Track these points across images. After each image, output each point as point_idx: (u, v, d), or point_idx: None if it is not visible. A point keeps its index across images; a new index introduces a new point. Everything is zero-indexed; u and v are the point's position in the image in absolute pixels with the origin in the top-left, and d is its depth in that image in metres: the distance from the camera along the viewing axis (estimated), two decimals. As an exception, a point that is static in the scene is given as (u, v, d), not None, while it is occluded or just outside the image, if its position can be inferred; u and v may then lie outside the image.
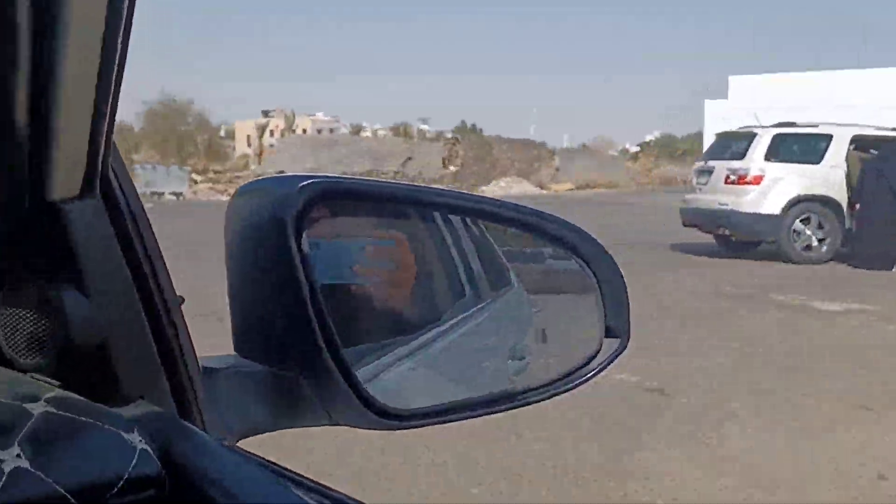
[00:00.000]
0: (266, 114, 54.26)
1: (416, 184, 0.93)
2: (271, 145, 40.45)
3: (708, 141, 26.89)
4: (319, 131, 52.31)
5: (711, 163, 11.03)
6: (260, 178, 0.76)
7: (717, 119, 26.61)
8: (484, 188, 33.94)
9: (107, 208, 0.48)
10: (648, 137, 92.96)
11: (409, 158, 32.85)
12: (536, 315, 0.85)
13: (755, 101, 25.18)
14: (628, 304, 0.74)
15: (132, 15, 0.41)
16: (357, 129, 59.94)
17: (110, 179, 0.48)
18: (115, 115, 0.44)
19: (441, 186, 31.16)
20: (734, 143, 11.03)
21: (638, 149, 77.19)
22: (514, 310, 0.87)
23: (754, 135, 10.49)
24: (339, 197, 0.64)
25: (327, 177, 0.63)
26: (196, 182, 26.74)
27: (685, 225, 11.58)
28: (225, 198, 14.81)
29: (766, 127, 10.55)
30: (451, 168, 33.78)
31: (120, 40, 0.41)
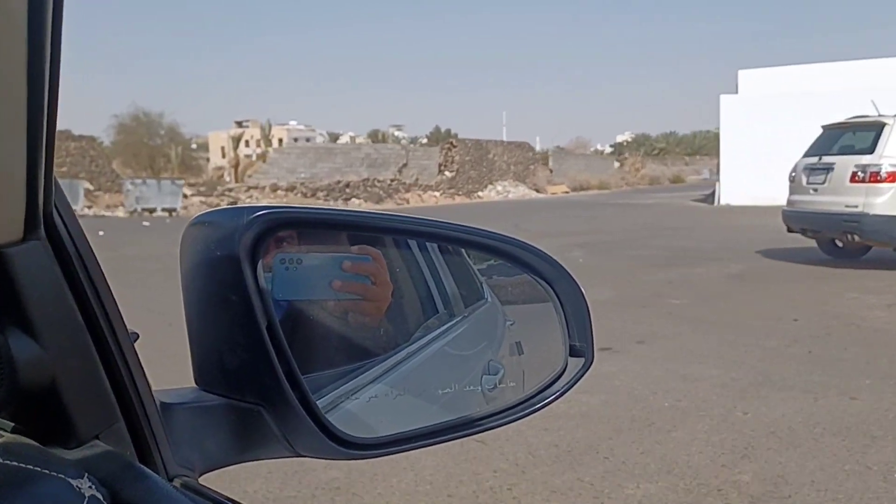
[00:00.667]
0: (240, 124, 52.04)
1: (372, 211, 1.00)
2: (248, 156, 38.55)
3: (726, 137, 25.81)
4: (296, 140, 50.32)
5: (828, 159, 9.63)
6: (214, 209, 0.66)
7: (729, 114, 25.50)
8: (480, 193, 32.51)
9: (53, 248, 0.46)
10: (620, 138, 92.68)
11: (405, 165, 31.24)
12: (511, 327, 0.80)
13: (770, 92, 24.22)
14: (591, 322, 0.76)
15: (60, 29, 0.37)
16: (335, 137, 58.08)
17: (54, 219, 0.46)
18: (52, 150, 0.41)
19: (435, 192, 29.92)
20: (849, 136, 9.70)
21: (611, 149, 76.73)
22: (488, 325, 0.81)
23: (882, 125, 9.13)
24: (291, 227, 0.61)
25: (278, 207, 0.60)
26: (186, 196, 24.79)
27: (791, 230, 10.22)
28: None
29: (891, 116, 9.20)
30: (447, 174, 32.25)
31: (48, 57, 0.37)
